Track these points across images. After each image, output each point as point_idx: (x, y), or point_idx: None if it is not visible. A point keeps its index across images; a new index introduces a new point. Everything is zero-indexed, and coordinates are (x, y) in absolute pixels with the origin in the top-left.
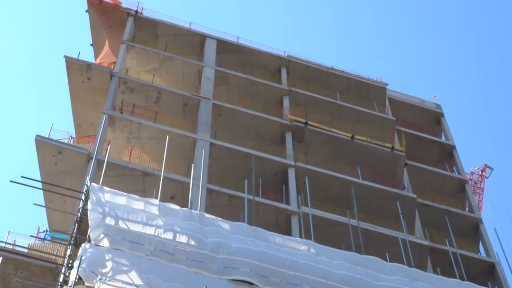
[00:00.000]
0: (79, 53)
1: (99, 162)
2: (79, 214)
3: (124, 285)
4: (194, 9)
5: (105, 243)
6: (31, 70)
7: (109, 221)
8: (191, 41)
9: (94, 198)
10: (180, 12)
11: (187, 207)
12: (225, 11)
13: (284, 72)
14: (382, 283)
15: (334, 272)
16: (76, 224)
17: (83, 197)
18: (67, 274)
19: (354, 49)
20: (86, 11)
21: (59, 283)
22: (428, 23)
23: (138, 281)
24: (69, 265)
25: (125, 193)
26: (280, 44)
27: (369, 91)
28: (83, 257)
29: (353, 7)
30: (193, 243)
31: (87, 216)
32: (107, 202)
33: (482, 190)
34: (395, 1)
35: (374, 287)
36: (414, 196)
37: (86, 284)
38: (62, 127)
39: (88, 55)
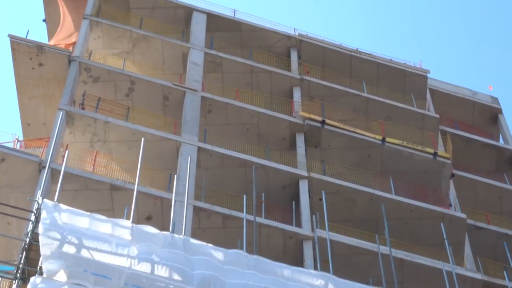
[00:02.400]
0: (28, 31)
1: (54, 173)
2: (27, 240)
3: None
4: None
5: (61, 276)
6: None
7: (67, 248)
8: (174, 16)
9: (47, 219)
10: None
11: (168, 230)
12: None
13: (294, 56)
14: None
15: None
16: (24, 252)
17: (33, 218)
18: None
19: (384, 27)
20: None
21: None
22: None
23: None
24: None
25: (88, 213)
26: (290, 20)
27: (405, 81)
28: None
29: None
30: (176, 276)
31: (38, 242)
32: (64, 224)
33: None
34: None
35: None
36: (464, 216)
37: None
38: (6, 128)
39: (40, 34)
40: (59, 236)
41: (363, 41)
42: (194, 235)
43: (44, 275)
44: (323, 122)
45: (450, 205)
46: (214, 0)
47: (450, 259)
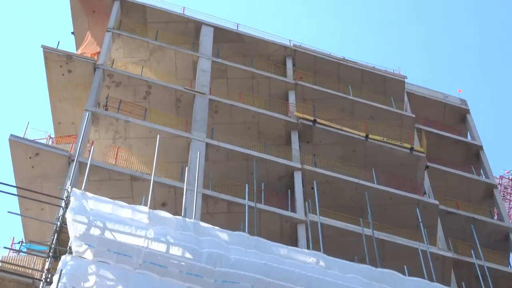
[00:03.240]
0: (59, 42)
1: (81, 165)
2: (58, 223)
3: None
4: None
5: (88, 255)
6: (4, 61)
7: (93, 230)
8: (185, 29)
9: (75, 205)
10: None
11: (180, 215)
12: None
13: (289, 64)
14: None
15: (346, 286)
16: (56, 234)
17: (63, 204)
18: None
19: (368, 38)
20: None
21: None
22: (451, 8)
23: None
24: (48, 280)
25: (111, 200)
26: (285, 33)
27: (385, 85)
28: (63, 271)
29: None
30: (187, 254)
31: (67, 225)
32: (90, 209)
33: None
34: None
35: None
36: (436, 202)
37: None
38: (40, 126)
39: (68, 45)
40: (86, 220)
41: (350, 50)
42: (203, 219)
43: (73, 254)
44: (314, 121)
45: (425, 193)
46: (220, 15)
47: (424, 240)
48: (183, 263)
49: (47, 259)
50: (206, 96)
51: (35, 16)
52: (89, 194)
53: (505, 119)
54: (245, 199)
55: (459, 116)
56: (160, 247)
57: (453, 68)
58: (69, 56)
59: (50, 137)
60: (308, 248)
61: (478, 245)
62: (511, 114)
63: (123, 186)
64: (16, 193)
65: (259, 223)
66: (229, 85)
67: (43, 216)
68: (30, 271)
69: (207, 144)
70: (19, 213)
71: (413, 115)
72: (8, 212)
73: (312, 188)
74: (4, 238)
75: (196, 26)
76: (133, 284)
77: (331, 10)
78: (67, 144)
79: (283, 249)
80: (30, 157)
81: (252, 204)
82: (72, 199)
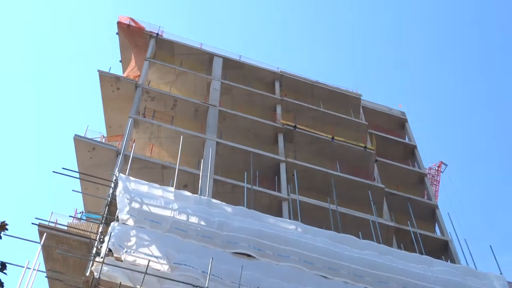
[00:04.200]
0: (110, 67)
1: (126, 157)
2: (109, 199)
3: (145, 256)
4: (204, 32)
5: (130, 222)
6: (71, 82)
7: (134, 204)
8: (202, 59)
9: (121, 186)
10: (193, 34)
11: (197, 194)
12: (230, 33)
13: (277, 85)
14: (356, 255)
15: (317, 246)
16: (107, 207)
17: (112, 185)
18: (99, 247)
19: (335, 65)
20: (117, 33)
21: (92, 255)
22: (395, 43)
23: (157, 253)
24: (101, 240)
25: (147, 182)
26: (275, 61)
27: (346, 101)
28: (112, 234)
29: (334, 32)
30: (202, 222)
31: (116, 200)
32: (132, 189)
33: (438, 182)
34: (369, 28)
35: (349, 258)
36: (383, 186)
37: (115, 255)
38: (96, 128)
39: (117, 70)
40: (129, 197)
41: (321, 74)
42: (213, 197)
43: (120, 221)
44: (295, 126)
45: (374, 179)
46: (227, 49)
47: (374, 213)
48: (199, 228)
49: (100, 225)
50: (216, 108)
51: (94, 49)
52: (131, 178)
53: (433, 126)
54: (244, 182)
55: (399, 123)
56: (182, 217)
57: (396, 88)
58: (117, 78)
59: (103, 137)
60: (289, 218)
61: (413, 217)
62: (439, 122)
63: (156, 173)
64: (78, 177)
65: (254, 200)
66: (233, 100)
67: (98, 193)
68: (88, 233)
69: (217, 142)
70: (80, 191)
71: (366, 123)
72: (73, 190)
73: (293, 175)
74: (69, 210)
75: (210, 57)
76: (162, 243)
77: (309, 44)
78: (116, 142)
79: (272, 219)
80: (88, 151)
81: (249, 186)
82: (119, 182)
